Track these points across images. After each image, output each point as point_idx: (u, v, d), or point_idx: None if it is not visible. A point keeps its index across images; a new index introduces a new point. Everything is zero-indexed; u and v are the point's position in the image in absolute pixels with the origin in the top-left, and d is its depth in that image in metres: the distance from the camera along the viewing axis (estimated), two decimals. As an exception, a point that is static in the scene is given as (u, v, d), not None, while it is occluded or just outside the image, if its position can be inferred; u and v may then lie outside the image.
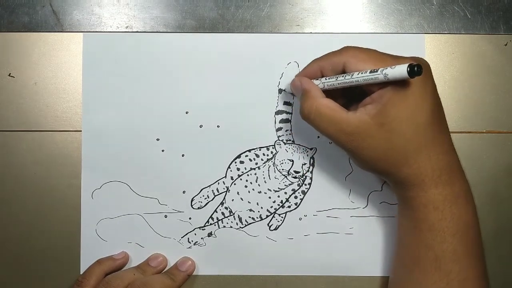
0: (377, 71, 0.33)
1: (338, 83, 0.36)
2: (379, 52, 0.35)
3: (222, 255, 0.44)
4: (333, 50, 0.37)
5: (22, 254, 0.44)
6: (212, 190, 0.44)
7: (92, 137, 0.44)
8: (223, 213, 0.44)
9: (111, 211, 0.44)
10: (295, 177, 0.44)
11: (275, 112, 0.44)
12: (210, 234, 0.44)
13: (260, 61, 0.44)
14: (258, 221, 0.44)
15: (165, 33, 0.44)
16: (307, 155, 0.44)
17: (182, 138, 0.44)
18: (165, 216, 0.44)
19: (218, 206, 0.44)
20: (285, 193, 0.44)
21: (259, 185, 0.44)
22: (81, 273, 0.43)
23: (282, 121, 0.44)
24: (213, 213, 0.44)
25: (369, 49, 0.35)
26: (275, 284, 0.44)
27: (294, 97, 0.44)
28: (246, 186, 0.44)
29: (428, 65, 0.35)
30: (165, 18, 0.44)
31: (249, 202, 0.44)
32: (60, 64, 0.44)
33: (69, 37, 0.44)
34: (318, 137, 0.44)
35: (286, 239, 0.44)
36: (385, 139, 0.34)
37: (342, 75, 0.35)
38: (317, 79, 0.38)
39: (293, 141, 0.44)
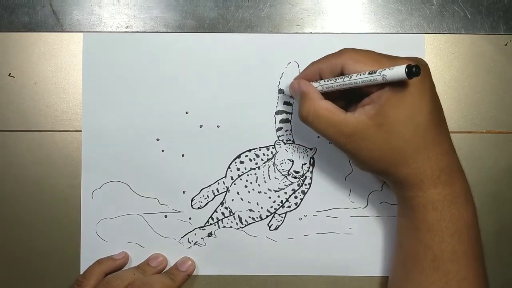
0: (375, 72, 0.33)
1: (337, 85, 0.36)
2: (377, 53, 0.35)
3: (222, 255, 0.44)
4: (331, 53, 0.37)
5: (22, 254, 0.44)
6: (212, 190, 0.44)
7: (92, 137, 0.44)
8: (223, 213, 0.44)
9: (111, 211, 0.44)
10: (295, 177, 0.44)
11: (275, 112, 0.44)
12: (210, 234, 0.44)
13: (260, 61, 0.44)
14: (258, 221, 0.44)
15: (165, 33, 0.44)
16: (307, 155, 0.44)
17: (182, 138, 0.44)
18: (165, 216, 0.44)
19: (218, 206, 0.44)
20: (285, 193, 0.44)
21: (259, 185, 0.44)
22: (81, 273, 0.43)
23: (282, 121, 0.44)
24: (213, 213, 0.44)
25: (367, 50, 0.35)
26: (275, 284, 0.44)
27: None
28: (246, 186, 0.44)
29: (427, 65, 0.35)
30: (165, 18, 0.44)
31: (249, 202, 0.44)
32: (60, 64, 0.44)
33: (69, 37, 0.44)
34: (318, 137, 0.44)
35: (286, 239, 0.44)
36: (384, 140, 0.34)
37: (341, 77, 0.35)
38: (316, 81, 0.38)
39: (293, 141, 0.44)
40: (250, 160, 0.44)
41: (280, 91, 0.44)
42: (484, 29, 0.44)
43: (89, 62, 0.44)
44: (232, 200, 0.44)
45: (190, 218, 0.44)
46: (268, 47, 0.44)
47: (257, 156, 0.44)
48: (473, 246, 0.36)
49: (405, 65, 0.31)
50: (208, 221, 0.44)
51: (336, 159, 0.44)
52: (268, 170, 0.44)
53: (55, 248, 0.44)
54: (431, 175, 0.35)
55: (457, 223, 0.35)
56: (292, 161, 0.44)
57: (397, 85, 0.33)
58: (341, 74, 0.36)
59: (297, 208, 0.44)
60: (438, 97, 0.36)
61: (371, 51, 0.35)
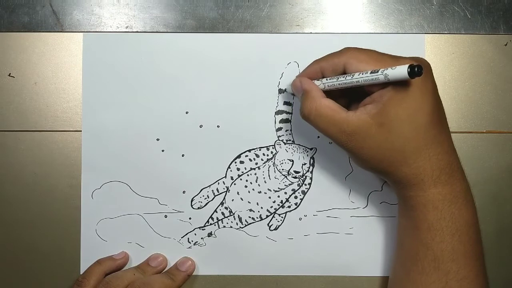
0: (377, 71, 0.33)
1: (339, 84, 0.36)
2: (379, 52, 0.35)
3: (222, 255, 0.44)
4: (334, 51, 0.37)
5: (22, 254, 0.44)
6: (212, 190, 0.44)
7: (92, 137, 0.44)
8: (223, 213, 0.44)
9: (111, 211, 0.44)
10: (295, 177, 0.44)
11: (275, 112, 0.44)
12: (210, 234, 0.44)
13: (260, 61, 0.44)
14: (258, 221, 0.44)
15: (165, 33, 0.44)
16: (307, 155, 0.44)
17: (182, 138, 0.44)
18: (165, 216, 0.44)
19: (218, 206, 0.44)
20: (285, 193, 0.44)
21: (259, 185, 0.44)
22: (81, 273, 0.43)
23: (282, 121, 0.44)
24: (213, 213, 0.44)
25: (370, 49, 0.35)
26: (275, 284, 0.44)
27: (294, 97, 0.44)
28: (246, 186, 0.44)
29: (429, 65, 0.35)
30: (165, 18, 0.44)
31: (249, 202, 0.44)
32: (60, 64, 0.44)
33: (69, 37, 0.44)
34: (318, 137, 0.44)
35: (286, 239, 0.44)
36: (385, 139, 0.34)
37: (343, 75, 0.35)
38: (318, 80, 0.38)
39: (293, 141, 0.44)
40: (250, 160, 0.44)
41: (280, 91, 0.44)
42: (484, 29, 0.44)
43: (89, 62, 0.44)
44: (232, 200, 0.44)
45: (190, 218, 0.44)
46: (268, 47, 0.44)
47: (257, 156, 0.44)
48: (473, 245, 0.36)
49: (407, 65, 0.31)
50: (208, 221, 0.44)
51: (336, 159, 0.44)
52: (268, 170, 0.44)
53: (55, 248, 0.44)
54: (432, 174, 0.35)
55: (458, 223, 0.35)
56: (292, 161, 0.44)
57: (399, 84, 0.33)
58: (343, 73, 0.36)
59: (297, 208, 0.44)
60: (439, 97, 0.36)
61: (373, 50, 0.35)
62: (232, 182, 0.44)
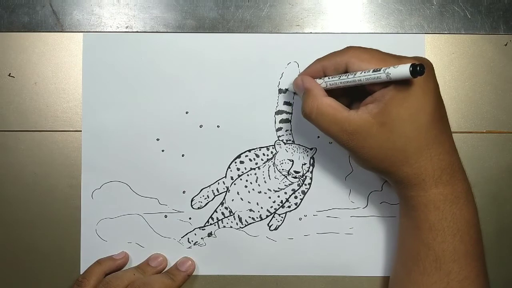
0: (379, 70, 0.33)
1: (341, 82, 0.36)
2: (381, 52, 0.35)
3: (222, 255, 0.44)
4: (336, 50, 0.37)
5: (22, 254, 0.44)
6: (212, 190, 0.44)
7: (92, 137, 0.44)
8: (223, 213, 0.44)
9: (111, 211, 0.44)
10: (295, 177, 0.44)
11: (275, 112, 0.44)
12: (210, 234, 0.44)
13: (260, 61, 0.44)
14: (258, 221, 0.44)
15: (165, 33, 0.44)
16: (307, 155, 0.44)
17: (182, 138, 0.44)
18: (165, 216, 0.44)
19: (218, 206, 0.44)
20: (285, 193, 0.44)
21: (259, 185, 0.44)
22: (81, 273, 0.43)
23: (282, 121, 0.44)
24: (213, 213, 0.44)
25: (372, 49, 0.35)
26: (275, 284, 0.44)
27: (294, 97, 0.44)
28: (246, 186, 0.44)
29: (431, 65, 0.35)
30: (165, 18, 0.44)
31: (249, 202, 0.44)
32: (60, 64, 0.44)
33: (69, 37, 0.44)
34: (318, 137, 0.44)
35: (286, 239, 0.44)
36: (386, 139, 0.34)
37: (345, 74, 0.35)
38: (320, 78, 0.38)
39: (293, 141, 0.44)
40: (250, 160, 0.44)
41: (280, 91, 0.44)
42: (484, 29, 0.44)
43: (89, 62, 0.44)
44: (232, 200, 0.44)
45: (190, 218, 0.44)
46: (268, 47, 0.44)
47: (257, 156, 0.44)
48: (474, 245, 0.36)
49: (409, 64, 0.31)
50: (208, 221, 0.44)
51: (336, 159, 0.44)
52: (268, 170, 0.44)
53: (55, 248, 0.44)
54: (433, 174, 0.35)
55: (459, 223, 0.35)
56: (292, 161, 0.44)
57: (401, 84, 0.33)
58: (345, 72, 0.36)
59: (297, 208, 0.44)
60: (441, 97, 0.36)
61: (375, 49, 0.35)
62: (232, 182, 0.44)
